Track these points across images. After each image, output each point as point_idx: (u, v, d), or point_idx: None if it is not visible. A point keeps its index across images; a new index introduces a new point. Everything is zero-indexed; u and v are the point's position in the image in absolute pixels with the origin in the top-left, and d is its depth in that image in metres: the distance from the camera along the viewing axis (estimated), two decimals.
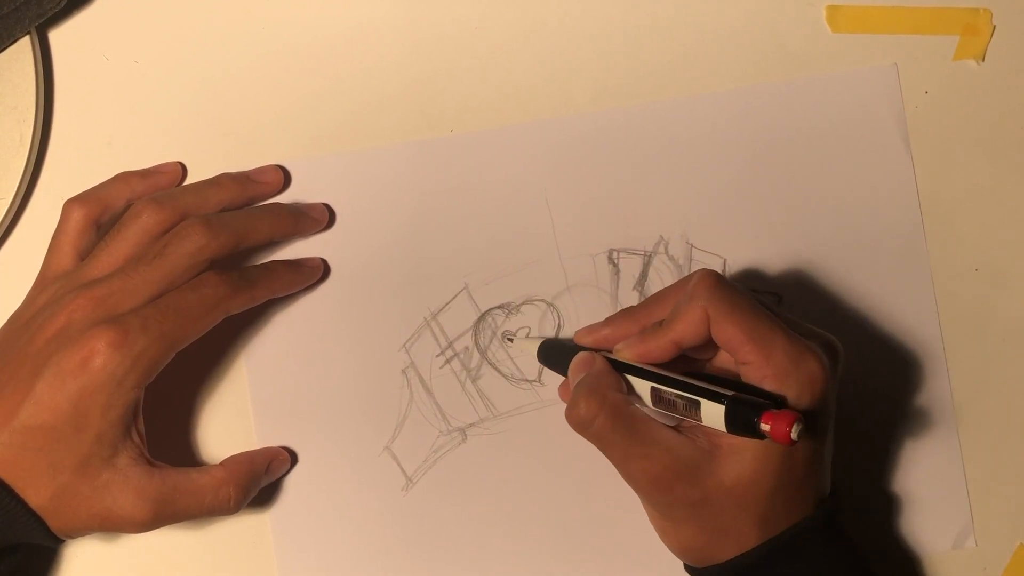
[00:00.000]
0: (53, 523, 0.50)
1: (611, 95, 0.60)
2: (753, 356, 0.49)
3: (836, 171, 0.60)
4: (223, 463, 0.55)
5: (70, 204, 0.55)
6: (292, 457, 0.58)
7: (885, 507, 0.60)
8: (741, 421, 0.47)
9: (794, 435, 0.45)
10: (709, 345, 0.51)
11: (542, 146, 0.60)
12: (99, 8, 0.59)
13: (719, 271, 0.51)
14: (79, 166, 0.59)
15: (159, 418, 0.55)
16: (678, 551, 0.54)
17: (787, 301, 0.60)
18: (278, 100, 0.60)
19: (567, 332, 0.59)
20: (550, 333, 0.59)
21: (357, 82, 0.60)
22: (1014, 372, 0.61)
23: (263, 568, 0.58)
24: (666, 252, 0.60)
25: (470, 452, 0.59)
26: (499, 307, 0.59)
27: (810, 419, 0.48)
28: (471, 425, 0.59)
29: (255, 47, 0.60)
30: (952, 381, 0.60)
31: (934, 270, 0.60)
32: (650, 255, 0.60)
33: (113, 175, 0.57)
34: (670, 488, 0.50)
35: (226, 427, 0.58)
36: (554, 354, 0.57)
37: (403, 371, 0.59)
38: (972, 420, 0.60)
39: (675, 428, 0.51)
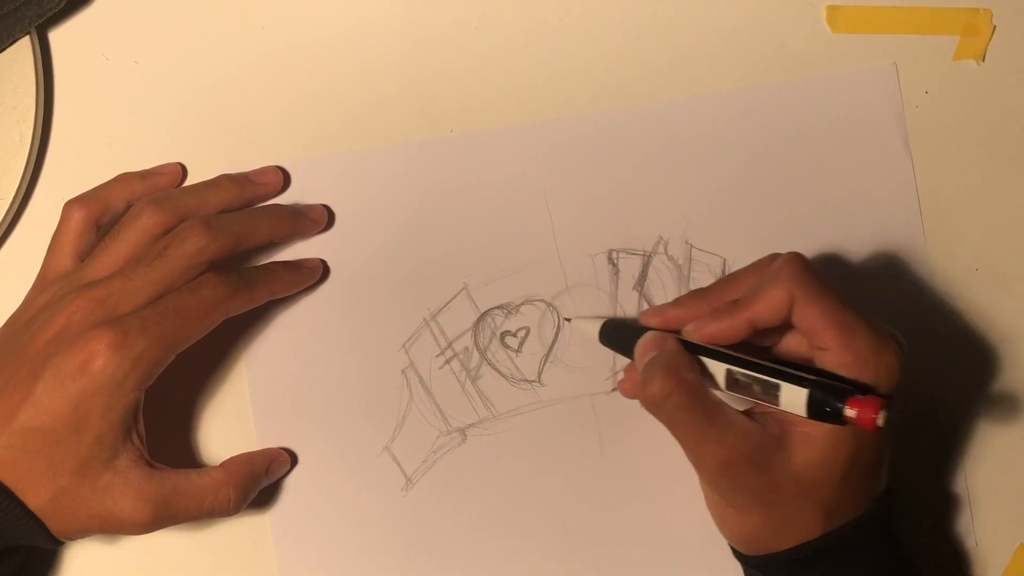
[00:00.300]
0: (53, 525, 0.50)
1: (611, 95, 0.60)
2: (834, 343, 0.49)
3: (836, 171, 0.60)
4: (223, 464, 0.55)
5: (70, 205, 0.55)
6: (292, 458, 0.58)
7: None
8: (824, 407, 0.46)
9: (880, 421, 0.45)
10: (775, 331, 0.51)
11: (542, 146, 0.60)
12: (99, 8, 0.59)
13: (805, 256, 0.51)
14: (79, 166, 0.59)
15: (159, 420, 0.55)
16: (737, 538, 0.53)
17: None
18: (278, 100, 0.60)
19: (567, 333, 0.59)
20: (549, 333, 0.59)
21: (357, 82, 0.60)
22: (1014, 372, 0.61)
23: (263, 568, 0.58)
24: (665, 252, 0.60)
25: (470, 452, 0.59)
26: (499, 307, 0.59)
27: (892, 406, 0.48)
28: (471, 425, 0.59)
29: (255, 47, 0.60)
30: (952, 381, 0.60)
31: (934, 270, 0.60)
32: (649, 255, 0.60)
33: (113, 176, 0.57)
34: (740, 473, 0.50)
35: (226, 428, 0.58)
36: (617, 334, 0.56)
37: (403, 371, 0.59)
38: (972, 420, 0.60)
39: (746, 413, 0.51)
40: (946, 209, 0.61)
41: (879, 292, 0.60)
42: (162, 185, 0.57)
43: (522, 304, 0.59)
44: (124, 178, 0.57)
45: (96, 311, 0.50)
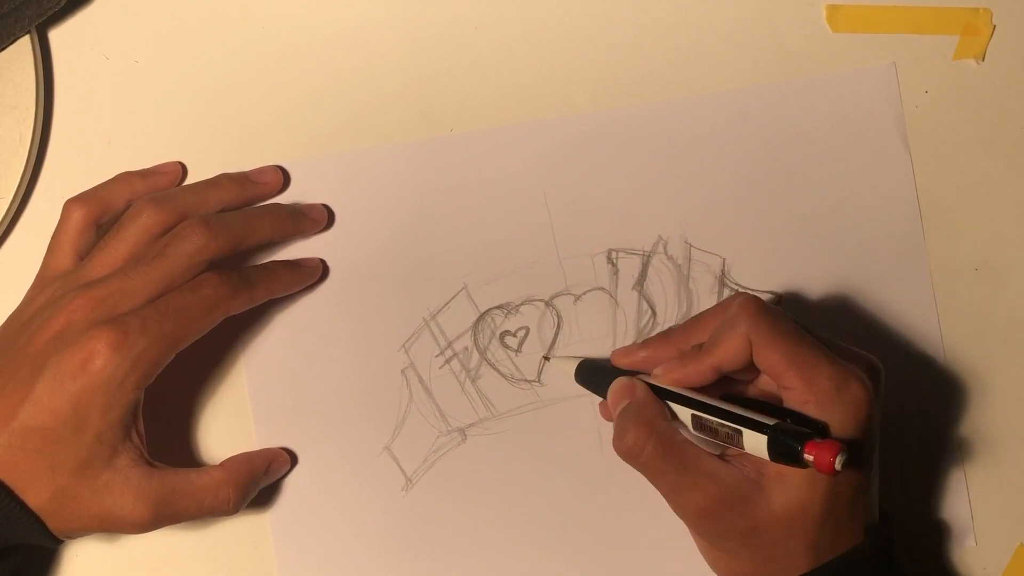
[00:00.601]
0: (52, 524, 0.50)
1: (611, 95, 0.60)
2: (796, 382, 0.49)
3: (836, 171, 0.60)
4: (222, 464, 0.55)
5: (70, 204, 0.55)
6: (292, 458, 0.58)
7: (885, 507, 0.59)
8: (784, 451, 0.46)
9: (838, 465, 0.45)
10: (750, 368, 0.51)
11: (541, 146, 0.60)
12: (99, 8, 0.59)
13: (760, 298, 0.51)
14: (79, 166, 0.59)
15: (159, 419, 0.55)
16: None
17: (786, 301, 0.60)
18: (278, 100, 0.59)
19: (566, 333, 0.59)
20: (549, 333, 0.59)
21: (357, 82, 0.60)
22: (1014, 372, 0.61)
23: (263, 568, 0.58)
24: (665, 252, 0.60)
25: (470, 452, 0.59)
26: (498, 307, 0.59)
27: (855, 446, 0.48)
28: (471, 425, 0.59)
29: (255, 47, 0.60)
30: (952, 381, 0.60)
31: (934, 270, 0.60)
32: (649, 255, 0.60)
33: (113, 175, 0.57)
34: (720, 519, 0.50)
35: (226, 428, 0.58)
36: (592, 375, 0.56)
37: (402, 371, 0.59)
38: (972, 420, 0.60)
39: (720, 456, 0.51)
40: (946, 209, 0.61)
41: (878, 292, 0.60)
42: (162, 184, 0.57)
43: (522, 304, 0.59)
44: (124, 177, 0.57)
45: (96, 310, 0.50)
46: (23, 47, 0.57)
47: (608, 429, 0.59)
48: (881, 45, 0.61)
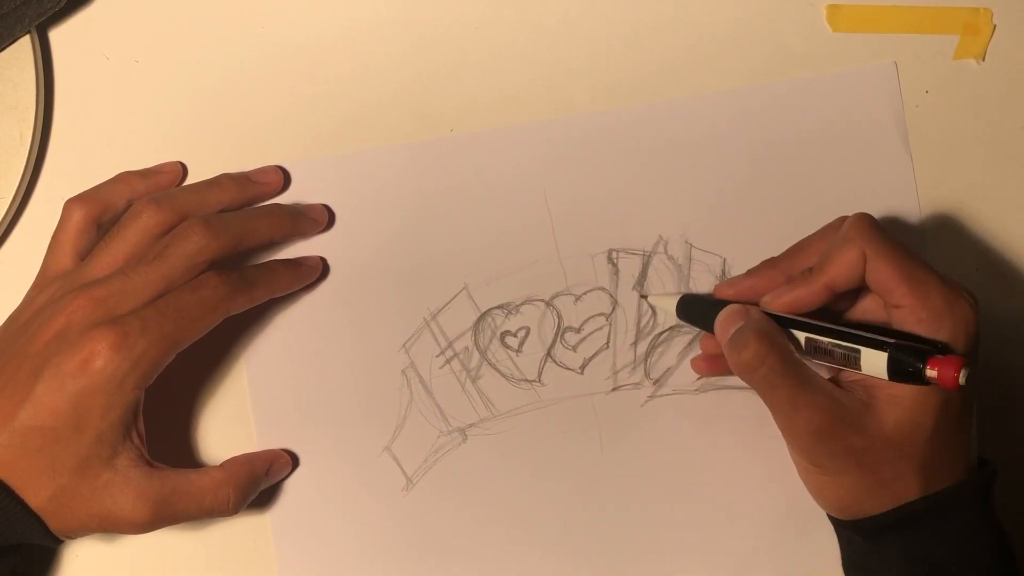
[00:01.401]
0: (52, 524, 0.50)
1: (610, 95, 0.60)
2: (908, 299, 0.49)
3: (836, 171, 0.60)
4: (223, 465, 0.55)
5: (70, 204, 0.55)
6: (293, 460, 0.58)
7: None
8: (905, 368, 0.47)
9: (962, 380, 0.45)
10: (849, 296, 0.51)
11: (542, 146, 0.60)
12: (99, 8, 0.59)
13: (871, 216, 0.51)
14: (79, 166, 0.59)
15: (159, 419, 0.55)
16: (835, 506, 0.53)
17: None
18: (278, 100, 0.60)
19: (566, 333, 0.59)
20: (549, 333, 0.59)
21: (357, 82, 0.60)
22: (1014, 372, 0.61)
23: (263, 569, 0.58)
24: (665, 252, 0.60)
25: (470, 452, 0.59)
26: (499, 307, 0.59)
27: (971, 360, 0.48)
28: (471, 425, 0.59)
29: (255, 47, 0.60)
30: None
31: None
32: (649, 255, 0.60)
33: (113, 175, 0.57)
34: (835, 437, 0.50)
35: (226, 428, 0.58)
36: (695, 308, 0.56)
37: (403, 371, 0.59)
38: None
39: (831, 380, 0.51)
40: (946, 209, 0.61)
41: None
42: (163, 184, 0.57)
43: (522, 304, 0.59)
44: (124, 177, 0.57)
45: (96, 311, 0.50)
46: (23, 47, 0.57)
47: (608, 429, 0.59)
48: (881, 45, 0.61)
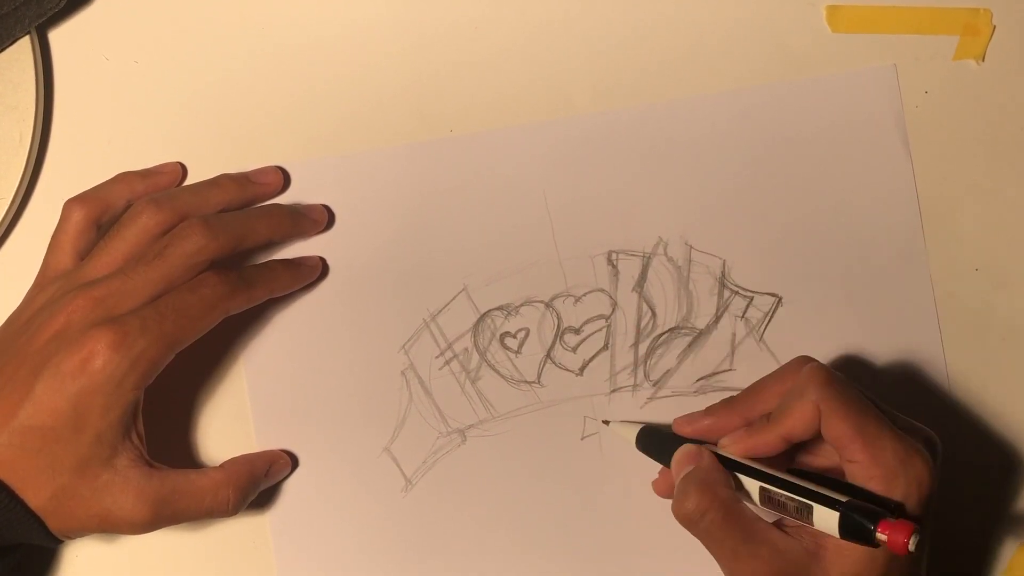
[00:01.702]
0: (52, 523, 0.50)
1: (610, 96, 0.60)
2: (861, 455, 0.49)
3: (835, 172, 0.60)
4: (223, 465, 0.55)
5: (70, 204, 0.55)
6: (292, 461, 0.58)
7: None
8: (856, 529, 0.46)
9: (911, 546, 0.45)
10: (810, 441, 0.51)
11: (541, 147, 0.60)
12: (99, 8, 0.59)
13: (826, 366, 0.51)
14: (79, 166, 0.59)
15: (159, 419, 0.54)
16: None
17: (786, 302, 0.60)
18: (278, 100, 0.60)
19: (566, 334, 0.59)
20: (549, 334, 0.59)
21: (357, 82, 0.60)
22: (1014, 372, 0.61)
23: (263, 569, 0.58)
24: (665, 253, 0.60)
25: (469, 453, 0.59)
26: (498, 308, 0.59)
27: (920, 524, 0.48)
28: (470, 426, 0.59)
29: (255, 47, 0.60)
30: (952, 381, 0.60)
31: (934, 270, 0.60)
32: (649, 256, 0.60)
33: (113, 175, 0.57)
34: None
35: (225, 428, 0.58)
36: (654, 442, 0.56)
37: (402, 372, 0.59)
38: (971, 420, 0.60)
39: (777, 525, 0.51)
40: (946, 209, 0.61)
41: (878, 293, 0.60)
42: (162, 184, 0.57)
43: (522, 305, 0.59)
44: (124, 177, 0.57)
45: (96, 310, 0.50)
46: (23, 48, 0.57)
47: (608, 431, 0.59)
48: (881, 45, 0.61)
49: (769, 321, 0.60)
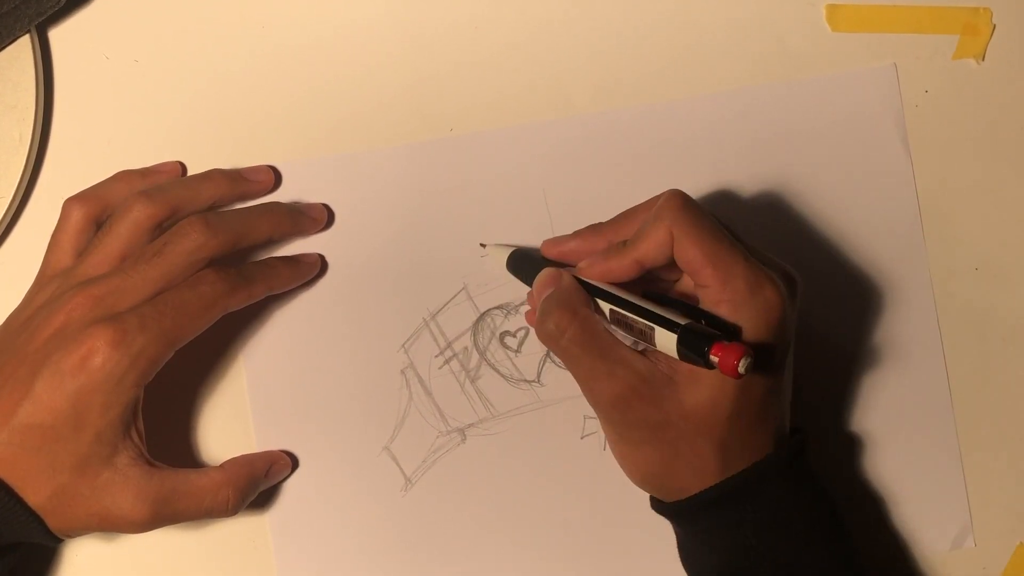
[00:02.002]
0: (52, 522, 0.50)
1: (610, 95, 0.60)
2: (711, 280, 0.49)
3: (835, 171, 0.60)
4: (223, 465, 0.55)
5: (70, 203, 0.55)
6: (292, 461, 0.58)
7: (884, 507, 0.60)
8: (692, 350, 0.47)
9: (742, 369, 0.45)
10: (675, 266, 0.51)
11: (541, 146, 0.60)
12: (99, 8, 0.59)
13: (685, 193, 0.51)
14: (79, 165, 0.59)
15: (159, 419, 0.54)
16: (637, 477, 0.53)
17: None
18: (278, 100, 0.60)
19: None
20: None
21: (357, 82, 0.60)
22: (1014, 372, 0.61)
23: (262, 568, 0.58)
24: None
25: (469, 452, 0.59)
26: (498, 307, 0.59)
27: (764, 350, 0.48)
28: (470, 425, 0.59)
29: (255, 47, 0.60)
30: (951, 381, 0.60)
31: (933, 270, 0.60)
32: None
33: (113, 174, 0.57)
34: (631, 408, 0.50)
35: (225, 427, 0.58)
36: (523, 264, 0.57)
37: (402, 371, 0.59)
38: (971, 420, 0.60)
39: (641, 352, 0.51)
40: (946, 209, 0.61)
41: (878, 292, 0.60)
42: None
43: (521, 304, 0.59)
44: (124, 176, 0.57)
45: (95, 308, 0.50)
46: (23, 47, 0.57)
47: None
48: (881, 45, 0.61)
49: None
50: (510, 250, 0.58)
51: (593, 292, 0.52)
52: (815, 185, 0.60)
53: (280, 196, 0.59)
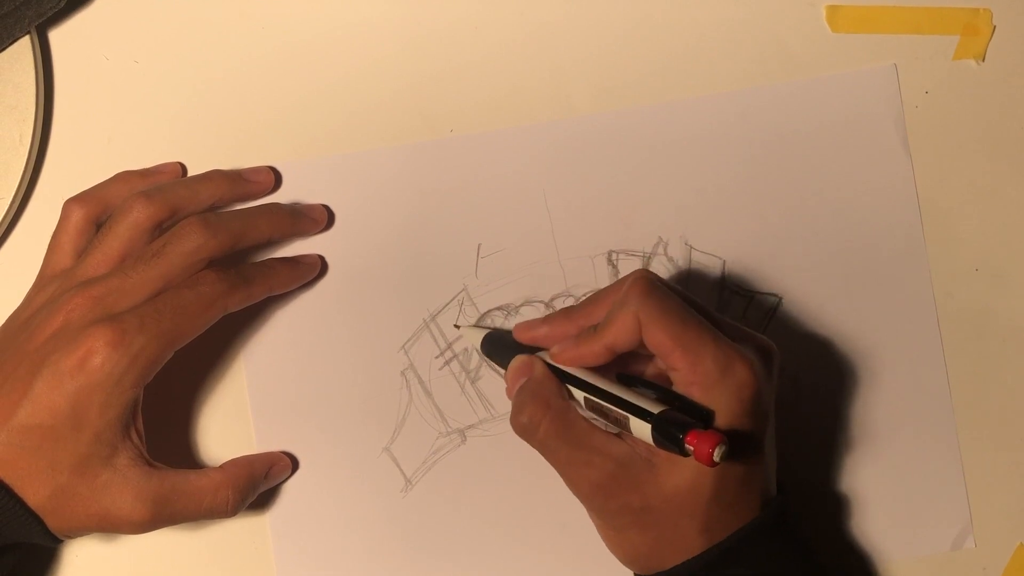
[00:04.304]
0: (51, 523, 0.50)
1: (610, 96, 0.60)
2: (681, 363, 0.49)
3: (835, 172, 0.60)
4: (223, 466, 0.55)
5: (70, 203, 0.55)
6: (293, 463, 0.58)
7: (885, 508, 0.59)
8: (667, 439, 0.46)
9: (717, 457, 0.45)
10: (645, 347, 0.51)
11: (541, 147, 0.60)
12: (99, 8, 0.59)
13: (648, 269, 0.51)
14: (79, 166, 0.59)
15: (158, 419, 0.55)
16: (624, 559, 0.53)
17: (786, 302, 0.60)
18: (278, 100, 0.60)
19: None
20: None
21: (357, 82, 0.60)
22: (1014, 372, 0.61)
23: (262, 569, 0.58)
24: (665, 253, 0.60)
25: (469, 453, 0.59)
26: (498, 308, 0.59)
27: (738, 434, 0.48)
28: (470, 426, 0.59)
29: (255, 47, 0.60)
30: (951, 381, 0.60)
31: (933, 271, 0.60)
32: (649, 257, 0.60)
33: (113, 175, 0.57)
34: (612, 495, 0.50)
35: (225, 428, 0.58)
36: (496, 348, 0.57)
37: (402, 372, 0.59)
38: (971, 420, 0.60)
39: (617, 435, 0.51)
40: (946, 209, 0.61)
41: (878, 293, 0.60)
42: None
43: (522, 305, 0.59)
44: (124, 176, 0.57)
45: (94, 309, 0.50)
46: (23, 48, 0.57)
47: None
48: (881, 45, 0.61)
49: (769, 321, 0.60)
50: (484, 332, 0.58)
51: (566, 379, 0.52)
52: (815, 186, 0.60)
53: (280, 196, 0.59)
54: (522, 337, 0.55)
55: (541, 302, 0.59)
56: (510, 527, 0.59)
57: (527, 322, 0.55)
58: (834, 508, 0.59)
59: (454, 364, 0.59)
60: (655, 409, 0.47)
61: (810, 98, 0.61)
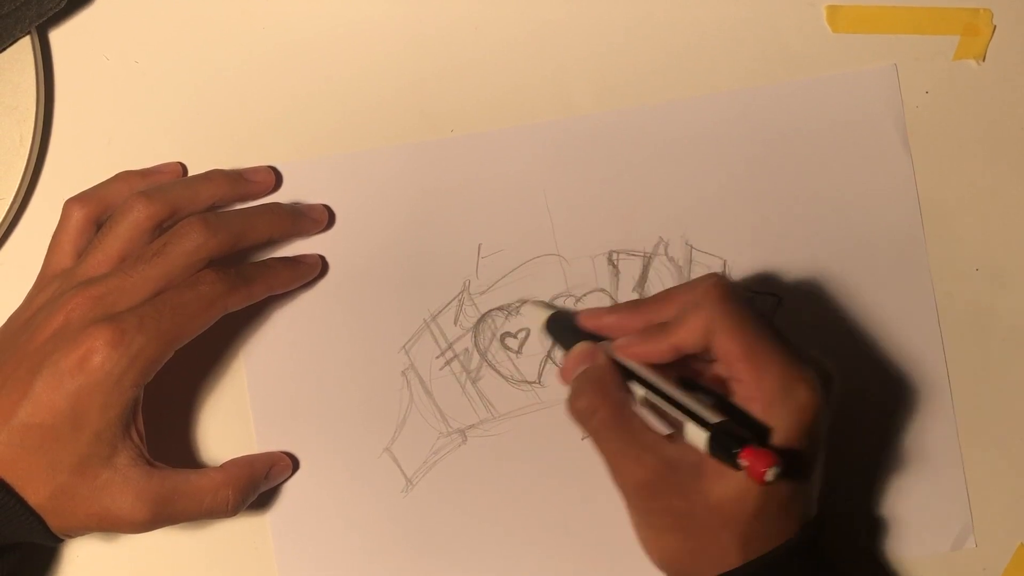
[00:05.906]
0: (52, 522, 0.50)
1: (611, 95, 0.60)
2: (746, 375, 0.49)
3: (836, 172, 0.60)
4: (223, 466, 0.55)
5: (70, 203, 0.55)
6: (293, 463, 0.58)
7: (885, 508, 0.60)
8: (722, 450, 0.46)
9: (769, 477, 0.45)
10: (709, 352, 0.51)
11: (542, 147, 0.60)
12: (99, 8, 0.59)
13: (725, 275, 0.50)
14: (79, 166, 0.59)
15: (158, 418, 0.55)
16: (659, 562, 0.53)
17: (787, 302, 0.60)
18: (278, 100, 0.60)
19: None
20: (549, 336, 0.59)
21: (357, 82, 0.60)
22: (1014, 372, 0.61)
23: (263, 569, 0.58)
24: (666, 253, 0.60)
25: (470, 454, 0.59)
26: (499, 308, 0.59)
27: (792, 454, 0.48)
28: (471, 427, 0.59)
29: (255, 47, 0.60)
30: (952, 381, 0.60)
31: (934, 271, 0.60)
32: (650, 256, 0.60)
33: (113, 175, 0.57)
34: (657, 495, 0.50)
35: (226, 428, 0.58)
36: (560, 330, 0.56)
37: (403, 372, 0.59)
38: (972, 420, 0.60)
39: (669, 436, 0.51)
40: (946, 209, 0.61)
41: (879, 293, 0.60)
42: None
43: (522, 305, 0.59)
44: (124, 176, 0.57)
45: (94, 308, 0.50)
46: (23, 48, 0.57)
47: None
48: (881, 45, 0.61)
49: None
50: (548, 312, 0.57)
51: (627, 373, 0.52)
52: (815, 186, 0.60)
53: (280, 196, 0.59)
54: (587, 324, 0.55)
55: (542, 302, 0.59)
56: (510, 527, 0.59)
57: (594, 310, 0.55)
58: (834, 508, 0.59)
59: (455, 364, 0.59)
60: (713, 418, 0.47)
61: (810, 98, 0.61)
